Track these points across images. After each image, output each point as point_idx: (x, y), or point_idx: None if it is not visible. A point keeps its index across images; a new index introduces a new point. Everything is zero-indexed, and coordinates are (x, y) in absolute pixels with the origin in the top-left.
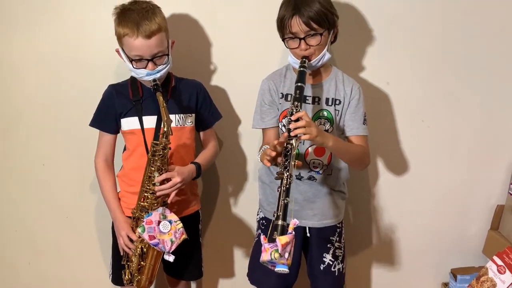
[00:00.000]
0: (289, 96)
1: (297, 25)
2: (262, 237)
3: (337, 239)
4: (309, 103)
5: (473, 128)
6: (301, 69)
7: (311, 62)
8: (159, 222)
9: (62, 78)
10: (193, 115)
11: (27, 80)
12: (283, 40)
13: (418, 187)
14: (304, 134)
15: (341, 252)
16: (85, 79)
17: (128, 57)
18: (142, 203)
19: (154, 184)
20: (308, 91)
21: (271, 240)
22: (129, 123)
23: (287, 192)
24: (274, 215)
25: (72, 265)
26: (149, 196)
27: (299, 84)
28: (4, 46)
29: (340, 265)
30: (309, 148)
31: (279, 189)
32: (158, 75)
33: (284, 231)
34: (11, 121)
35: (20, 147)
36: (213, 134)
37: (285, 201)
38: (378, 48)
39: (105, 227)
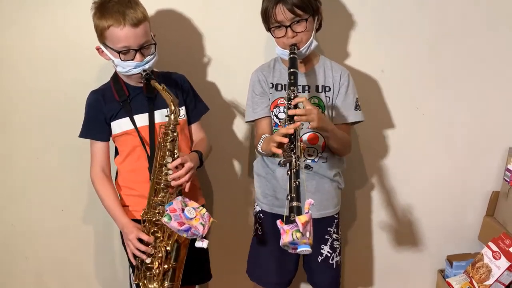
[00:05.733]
0: (279, 86)
1: (281, 13)
2: (278, 221)
3: (335, 230)
4: (300, 92)
5: (468, 114)
6: (292, 55)
7: (300, 50)
8: (182, 209)
9: (58, 71)
10: (183, 107)
11: (22, 74)
12: (268, 30)
13: (413, 175)
14: (308, 121)
15: (339, 244)
16: (82, 73)
17: (113, 51)
18: (155, 199)
19: (166, 174)
20: (298, 80)
21: (289, 222)
22: (120, 125)
23: (297, 173)
24: (287, 198)
25: (68, 259)
26: (162, 188)
27: (291, 70)
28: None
29: (338, 258)
30: (303, 136)
31: (289, 172)
32: (147, 66)
33: (300, 212)
34: (5, 114)
35: (14, 141)
36: (202, 129)
37: (297, 182)
38: (370, 36)
39: (101, 218)
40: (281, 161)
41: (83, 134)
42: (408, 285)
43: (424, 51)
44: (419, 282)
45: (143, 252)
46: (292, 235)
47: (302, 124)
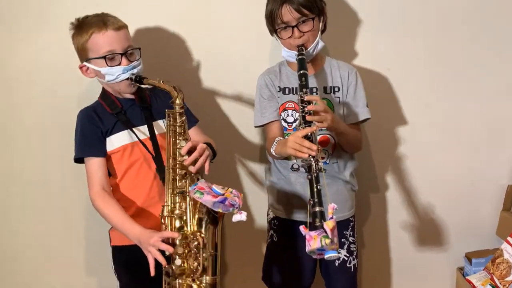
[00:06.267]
0: (287, 89)
1: (288, 13)
2: (301, 227)
3: (351, 233)
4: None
5: (478, 109)
6: (300, 57)
7: (308, 50)
8: (210, 188)
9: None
10: None
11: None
12: (275, 32)
13: (427, 173)
14: (321, 121)
15: (355, 247)
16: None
17: (98, 60)
18: (175, 188)
19: (182, 162)
20: None
21: (314, 228)
22: (119, 139)
23: (317, 178)
24: (309, 203)
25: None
26: (181, 176)
27: (302, 71)
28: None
29: (355, 261)
30: None
31: (309, 177)
32: (135, 70)
33: (324, 217)
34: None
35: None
36: (201, 133)
37: (318, 187)
38: (375, 34)
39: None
40: (295, 165)
41: (80, 153)
42: (427, 285)
43: (430, 46)
44: (438, 282)
45: (167, 258)
46: (321, 241)
47: (319, 129)
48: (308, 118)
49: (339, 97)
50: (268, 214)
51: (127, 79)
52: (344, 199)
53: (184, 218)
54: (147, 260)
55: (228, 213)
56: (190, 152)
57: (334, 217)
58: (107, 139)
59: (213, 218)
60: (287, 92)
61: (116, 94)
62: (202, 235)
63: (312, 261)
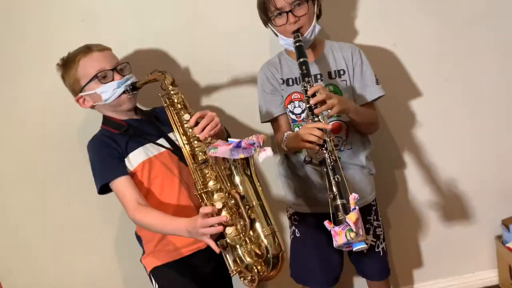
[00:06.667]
0: (290, 80)
1: None
2: (326, 222)
3: (375, 217)
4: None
5: (494, 75)
6: (297, 44)
7: (305, 35)
8: (225, 143)
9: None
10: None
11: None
12: (269, 21)
13: (449, 144)
14: (329, 108)
15: (381, 231)
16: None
17: (91, 83)
18: (198, 161)
19: (195, 135)
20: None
21: (338, 222)
22: (135, 158)
23: (334, 169)
24: (330, 197)
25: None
26: (198, 151)
27: (301, 59)
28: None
29: (383, 244)
30: None
31: (325, 170)
32: (129, 82)
33: (346, 209)
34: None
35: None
36: None
37: (336, 179)
38: (375, 10)
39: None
40: (307, 158)
41: (103, 179)
42: (464, 258)
43: (438, 18)
44: (476, 253)
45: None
46: (346, 236)
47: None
48: (316, 111)
49: (345, 80)
50: (287, 210)
51: (124, 92)
52: (363, 185)
53: (219, 186)
54: (188, 271)
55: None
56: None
57: (356, 207)
58: (125, 160)
59: (241, 168)
60: (290, 83)
61: (119, 116)
62: (238, 190)
63: (339, 251)
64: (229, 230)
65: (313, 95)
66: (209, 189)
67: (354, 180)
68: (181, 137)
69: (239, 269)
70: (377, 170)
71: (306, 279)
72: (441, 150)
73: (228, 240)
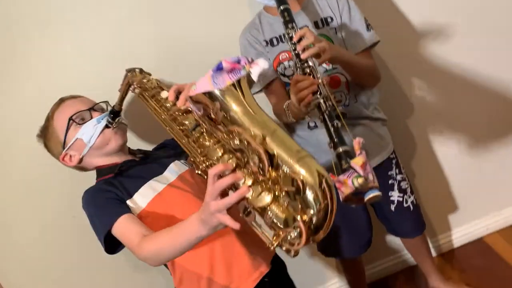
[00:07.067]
0: (274, 40)
1: None
2: (330, 174)
3: (397, 171)
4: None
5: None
6: None
7: None
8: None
9: None
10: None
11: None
12: None
13: (465, 79)
14: (319, 53)
15: (407, 184)
16: None
17: (70, 132)
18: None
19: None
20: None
21: (343, 172)
22: (143, 197)
23: (331, 115)
24: (330, 146)
25: None
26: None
27: (282, 7)
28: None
29: (412, 197)
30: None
31: (320, 117)
32: (107, 117)
33: (351, 156)
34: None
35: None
36: None
37: (335, 124)
38: None
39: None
40: (311, 123)
41: (104, 228)
42: (500, 192)
43: None
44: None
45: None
46: (353, 183)
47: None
48: (303, 56)
49: (334, 28)
50: None
51: (107, 126)
52: (378, 138)
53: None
54: None
55: (244, 76)
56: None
57: (363, 152)
58: (129, 202)
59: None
60: (275, 43)
61: (111, 160)
62: (238, 133)
63: (365, 214)
64: (250, 192)
65: (300, 41)
66: (212, 162)
67: (366, 135)
68: (162, 117)
69: (280, 234)
70: (390, 119)
71: (336, 251)
72: (457, 87)
73: (248, 200)
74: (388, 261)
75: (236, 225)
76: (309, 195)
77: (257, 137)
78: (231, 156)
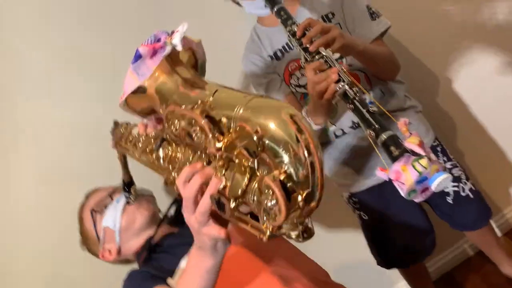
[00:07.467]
0: (278, 52)
1: None
2: (377, 171)
3: (445, 159)
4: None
5: None
6: None
7: None
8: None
9: None
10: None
11: None
12: None
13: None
14: (328, 42)
15: (460, 170)
16: None
17: (96, 224)
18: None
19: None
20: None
21: (395, 160)
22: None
23: (362, 101)
24: (370, 137)
25: None
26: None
27: (276, 7)
28: None
29: (469, 184)
30: None
31: (350, 106)
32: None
33: (398, 140)
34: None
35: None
36: None
37: (370, 110)
38: None
39: None
40: (337, 132)
41: None
42: None
43: None
44: None
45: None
46: (415, 167)
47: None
48: (311, 48)
49: (339, 23)
50: (342, 195)
51: (128, 203)
52: (414, 129)
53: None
54: None
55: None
56: None
57: (414, 132)
58: (179, 271)
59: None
60: (280, 55)
61: (145, 236)
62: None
63: (421, 213)
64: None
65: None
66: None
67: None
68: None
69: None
70: (425, 105)
71: (400, 262)
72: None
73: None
74: (448, 254)
75: (222, 232)
76: (274, 139)
77: (197, 107)
78: (190, 151)
